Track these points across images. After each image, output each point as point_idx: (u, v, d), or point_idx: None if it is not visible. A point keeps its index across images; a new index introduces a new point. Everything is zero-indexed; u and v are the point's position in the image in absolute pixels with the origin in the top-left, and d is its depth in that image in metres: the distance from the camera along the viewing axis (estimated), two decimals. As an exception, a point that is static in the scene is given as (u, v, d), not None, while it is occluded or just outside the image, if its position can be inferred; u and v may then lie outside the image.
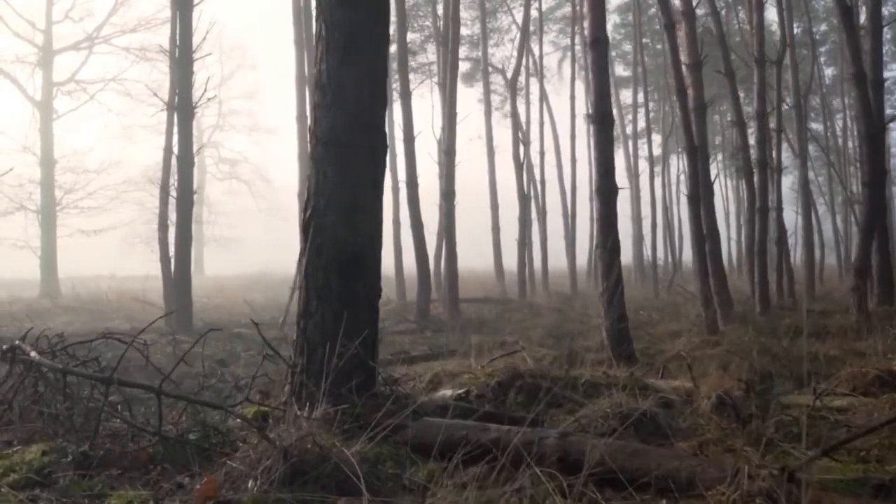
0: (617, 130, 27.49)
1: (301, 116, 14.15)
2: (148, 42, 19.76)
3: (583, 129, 23.14)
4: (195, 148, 11.59)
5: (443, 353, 8.30)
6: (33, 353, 2.89)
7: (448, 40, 14.71)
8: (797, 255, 21.72)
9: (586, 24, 7.24)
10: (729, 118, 27.14)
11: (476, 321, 12.94)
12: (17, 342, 3.23)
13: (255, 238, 28.36)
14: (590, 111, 7.14)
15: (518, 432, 2.64)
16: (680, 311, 14.18)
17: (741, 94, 13.68)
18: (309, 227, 3.34)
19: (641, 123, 27.13)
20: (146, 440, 2.71)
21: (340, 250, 3.27)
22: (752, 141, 15.15)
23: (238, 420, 2.83)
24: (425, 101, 19.14)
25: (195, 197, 11.61)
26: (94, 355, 3.50)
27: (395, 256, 16.71)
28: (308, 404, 2.94)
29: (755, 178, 12.11)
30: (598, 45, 7.08)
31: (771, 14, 20.52)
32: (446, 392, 3.76)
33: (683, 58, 10.47)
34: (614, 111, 28.60)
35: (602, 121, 7.03)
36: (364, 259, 3.33)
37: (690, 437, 3.17)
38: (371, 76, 3.35)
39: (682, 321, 11.75)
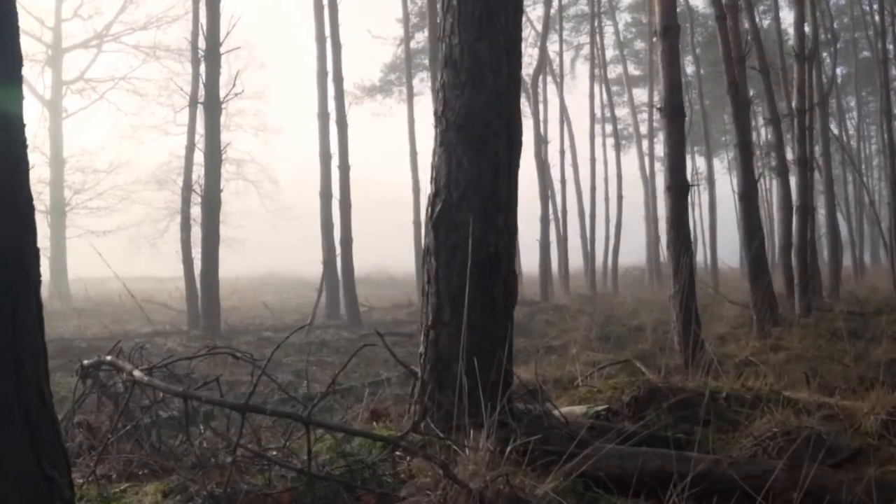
0: (630, 129, 27.23)
1: (322, 114, 13.72)
2: (158, 40, 19.28)
3: (596, 129, 22.78)
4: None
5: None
6: (137, 373, 2.46)
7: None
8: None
9: (656, 12, 6.88)
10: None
11: (508, 324, 12.53)
12: (107, 357, 2.80)
13: (260, 239, 27.88)
14: (660, 104, 6.76)
15: (730, 462, 2.24)
16: (707, 311, 13.83)
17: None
18: (439, 225, 2.92)
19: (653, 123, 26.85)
20: (282, 476, 2.29)
21: (477, 251, 2.85)
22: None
23: (383, 450, 2.41)
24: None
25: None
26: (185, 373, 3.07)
27: (416, 258, 16.29)
28: (464, 430, 2.53)
29: (796, 177, 11.79)
30: (669, 34, 6.72)
31: (783, 13, 20.33)
32: (574, 408, 3.36)
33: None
34: (626, 110, 27.82)
35: (673, 114, 6.67)
36: (502, 261, 2.92)
37: (883, 463, 2.78)
38: (509, 51, 2.95)
39: (720, 323, 11.41)
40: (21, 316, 1.44)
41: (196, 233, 10.96)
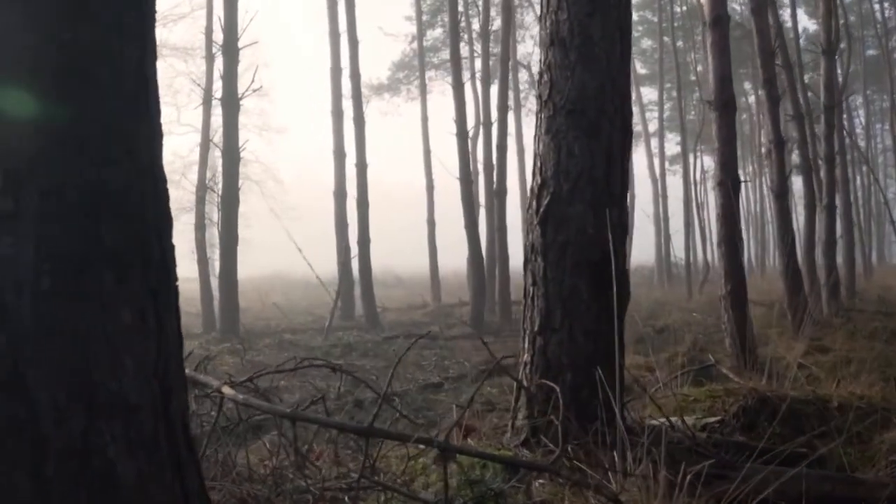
0: (638, 128, 27.00)
1: (336, 111, 13.44)
2: (164, 38, 18.89)
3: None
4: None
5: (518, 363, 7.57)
6: (227, 389, 2.17)
7: (489, 33, 14.13)
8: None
9: (704, 3, 6.65)
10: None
11: (529, 325, 12.28)
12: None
13: (264, 239, 27.55)
14: (711, 97, 6.51)
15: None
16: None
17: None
18: (547, 220, 2.64)
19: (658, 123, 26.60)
20: None
21: (591, 249, 2.58)
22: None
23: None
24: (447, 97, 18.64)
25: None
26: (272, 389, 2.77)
27: (430, 257, 16.04)
28: (584, 448, 2.25)
29: (822, 174, 11.59)
30: (720, 24, 6.48)
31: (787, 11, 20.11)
32: (673, 418, 3.08)
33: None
34: (633, 109, 27.87)
35: (724, 107, 6.43)
36: (617, 259, 2.65)
37: None
38: (622, 28, 2.68)
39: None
40: (167, 329, 1.15)
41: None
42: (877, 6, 23.11)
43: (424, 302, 15.57)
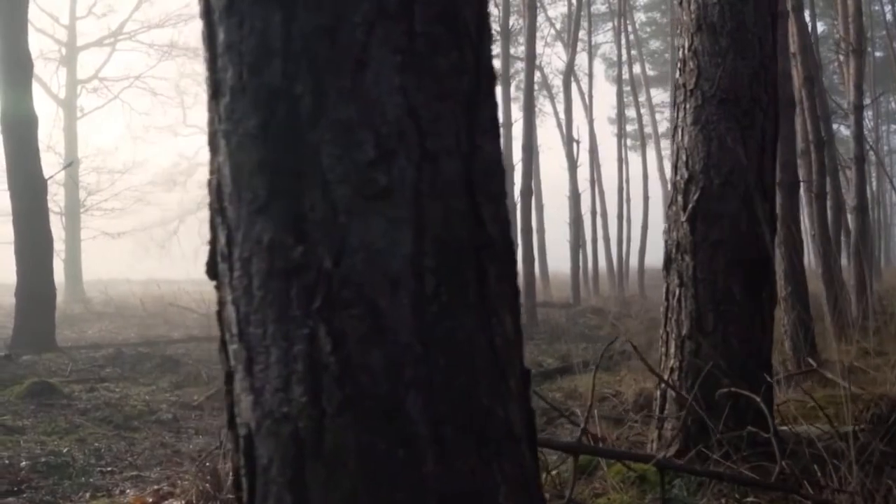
0: (648, 128, 26.95)
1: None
2: (174, 38, 18.71)
3: (614, 129, 22.42)
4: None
5: (568, 366, 7.41)
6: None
7: (509, 32, 13.99)
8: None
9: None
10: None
11: (556, 327, 12.07)
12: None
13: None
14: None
15: None
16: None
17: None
18: (696, 216, 2.48)
19: (667, 124, 26.56)
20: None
21: (745, 247, 2.42)
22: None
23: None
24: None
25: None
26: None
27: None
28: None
29: (853, 175, 11.48)
30: (780, 20, 6.33)
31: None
32: (808, 428, 2.92)
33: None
34: (642, 110, 27.43)
35: (784, 105, 6.29)
36: (771, 260, 2.49)
37: None
38: (773, 14, 2.54)
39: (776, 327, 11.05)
40: (523, 338, 0.93)
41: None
42: (887, 8, 23.12)
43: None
